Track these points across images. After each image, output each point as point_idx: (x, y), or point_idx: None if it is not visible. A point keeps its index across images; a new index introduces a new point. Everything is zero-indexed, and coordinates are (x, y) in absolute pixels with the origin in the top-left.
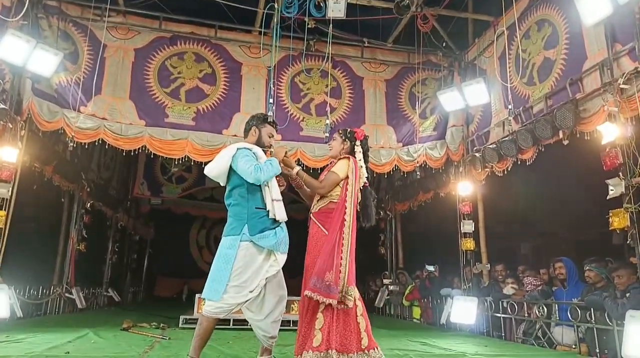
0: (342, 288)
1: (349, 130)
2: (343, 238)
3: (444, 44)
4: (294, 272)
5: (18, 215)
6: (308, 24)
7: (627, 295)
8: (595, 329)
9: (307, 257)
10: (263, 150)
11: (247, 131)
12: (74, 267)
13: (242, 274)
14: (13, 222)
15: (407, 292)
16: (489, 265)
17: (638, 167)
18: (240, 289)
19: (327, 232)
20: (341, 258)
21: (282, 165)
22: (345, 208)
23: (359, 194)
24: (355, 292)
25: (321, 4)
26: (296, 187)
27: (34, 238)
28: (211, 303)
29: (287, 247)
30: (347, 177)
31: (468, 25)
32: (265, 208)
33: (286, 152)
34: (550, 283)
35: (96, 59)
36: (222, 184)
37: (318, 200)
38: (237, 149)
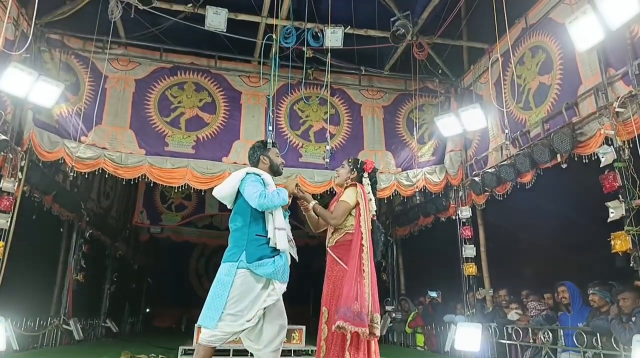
0: (369, 316)
1: (360, 161)
2: (363, 265)
3: (439, 71)
4: (294, 301)
5: (16, 246)
6: (306, 54)
7: (633, 319)
8: (602, 355)
9: (324, 290)
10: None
11: (255, 162)
12: (71, 297)
13: (239, 303)
14: (11, 252)
15: (409, 318)
16: (491, 290)
17: (637, 189)
18: (237, 318)
19: (347, 267)
20: (364, 286)
21: (297, 193)
22: (362, 233)
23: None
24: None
25: (319, 34)
26: (304, 211)
27: (31, 269)
28: (207, 331)
29: (287, 276)
30: (358, 204)
31: (463, 53)
32: (266, 236)
33: (297, 185)
34: (555, 307)
35: (97, 90)
36: (229, 206)
37: (333, 233)
38: (247, 173)
